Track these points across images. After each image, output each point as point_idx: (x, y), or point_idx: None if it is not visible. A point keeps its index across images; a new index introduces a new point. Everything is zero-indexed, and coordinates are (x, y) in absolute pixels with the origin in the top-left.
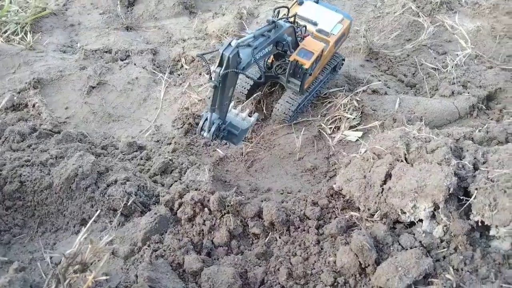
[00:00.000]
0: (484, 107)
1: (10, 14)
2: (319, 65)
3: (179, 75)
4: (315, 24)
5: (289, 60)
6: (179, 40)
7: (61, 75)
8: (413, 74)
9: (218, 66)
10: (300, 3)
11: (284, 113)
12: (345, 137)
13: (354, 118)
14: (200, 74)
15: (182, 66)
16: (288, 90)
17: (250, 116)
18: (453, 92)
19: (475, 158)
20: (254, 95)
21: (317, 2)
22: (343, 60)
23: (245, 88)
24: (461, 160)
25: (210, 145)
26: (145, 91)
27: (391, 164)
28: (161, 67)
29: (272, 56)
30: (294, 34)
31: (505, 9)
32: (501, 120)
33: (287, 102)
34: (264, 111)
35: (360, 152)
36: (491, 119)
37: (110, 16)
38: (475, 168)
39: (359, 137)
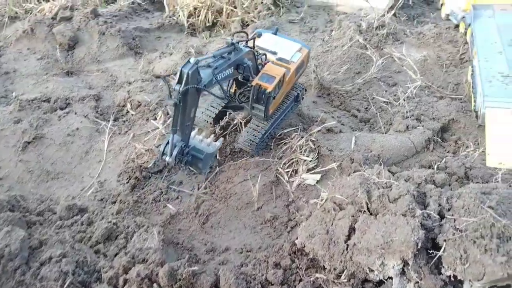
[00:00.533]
0: (439, 139)
1: None
2: (282, 91)
3: (124, 122)
4: (274, 53)
5: (251, 86)
6: (125, 83)
7: None
8: (366, 108)
9: (177, 83)
10: (259, 35)
11: (251, 140)
12: (303, 181)
13: (311, 160)
14: (147, 119)
15: (127, 112)
16: (253, 118)
17: (215, 142)
18: (407, 127)
19: (439, 205)
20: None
21: (275, 34)
22: (305, 90)
23: (213, 112)
24: (426, 208)
25: (159, 200)
26: (87, 143)
27: (353, 216)
28: (105, 114)
29: (234, 86)
30: (254, 60)
31: (447, 37)
32: (458, 152)
33: (253, 129)
34: (218, 157)
35: (321, 200)
36: (448, 152)
37: (48, 61)
38: (441, 216)
39: (317, 180)
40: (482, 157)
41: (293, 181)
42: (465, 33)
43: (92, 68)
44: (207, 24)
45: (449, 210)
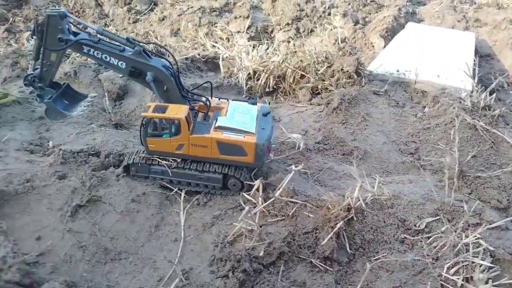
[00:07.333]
0: None
1: None
2: (180, 140)
3: None
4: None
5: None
6: None
7: (31, 186)
8: (508, 200)
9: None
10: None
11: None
12: None
13: (492, 268)
14: None
15: None
16: None
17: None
18: None
19: None
20: None
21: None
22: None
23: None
24: None
25: None
26: (156, 213)
27: None
28: None
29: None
30: (169, 84)
31: None
32: None
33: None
34: (349, 250)
35: None
36: None
37: (93, 110)
38: None
39: None
40: None
41: None
42: None
43: None
44: (267, 90)
45: None
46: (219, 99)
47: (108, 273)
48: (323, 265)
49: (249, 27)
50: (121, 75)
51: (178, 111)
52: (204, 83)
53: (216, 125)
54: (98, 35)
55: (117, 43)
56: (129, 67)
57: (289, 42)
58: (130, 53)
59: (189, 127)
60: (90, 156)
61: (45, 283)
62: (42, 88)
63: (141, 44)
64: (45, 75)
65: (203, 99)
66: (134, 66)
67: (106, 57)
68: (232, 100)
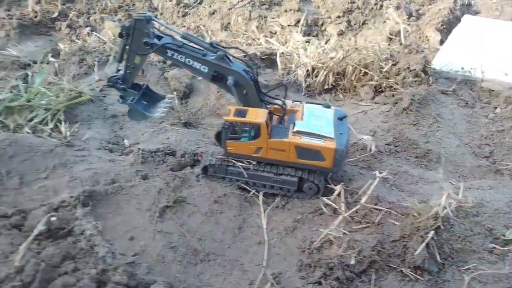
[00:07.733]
0: None
1: (37, 97)
2: (258, 144)
3: None
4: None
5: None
6: None
7: (119, 186)
8: None
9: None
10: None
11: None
12: None
13: None
14: None
15: None
16: None
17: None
18: None
19: None
20: None
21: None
22: None
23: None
24: None
25: None
26: (238, 215)
27: None
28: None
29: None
30: (249, 88)
31: None
32: None
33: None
34: (438, 258)
35: None
36: None
37: None
38: None
39: None
40: None
41: None
42: None
43: (211, 121)
44: (326, 87)
45: None
46: (292, 102)
47: (200, 274)
48: (414, 275)
49: (299, 20)
50: (200, 78)
51: (258, 115)
52: (279, 85)
53: (295, 130)
54: (182, 39)
55: (200, 47)
56: (212, 71)
57: (340, 35)
58: (213, 57)
59: (268, 131)
60: (166, 156)
61: (150, 286)
62: (125, 90)
63: (223, 48)
64: (128, 77)
65: (280, 102)
66: (216, 71)
67: (189, 61)
68: (306, 103)
